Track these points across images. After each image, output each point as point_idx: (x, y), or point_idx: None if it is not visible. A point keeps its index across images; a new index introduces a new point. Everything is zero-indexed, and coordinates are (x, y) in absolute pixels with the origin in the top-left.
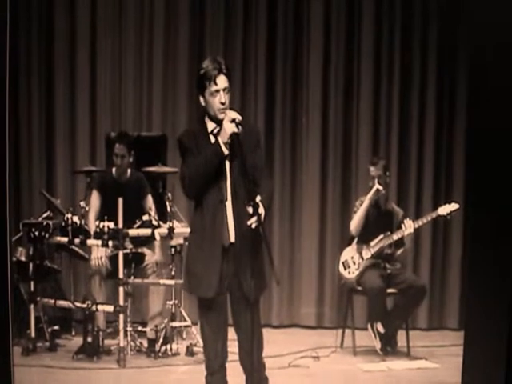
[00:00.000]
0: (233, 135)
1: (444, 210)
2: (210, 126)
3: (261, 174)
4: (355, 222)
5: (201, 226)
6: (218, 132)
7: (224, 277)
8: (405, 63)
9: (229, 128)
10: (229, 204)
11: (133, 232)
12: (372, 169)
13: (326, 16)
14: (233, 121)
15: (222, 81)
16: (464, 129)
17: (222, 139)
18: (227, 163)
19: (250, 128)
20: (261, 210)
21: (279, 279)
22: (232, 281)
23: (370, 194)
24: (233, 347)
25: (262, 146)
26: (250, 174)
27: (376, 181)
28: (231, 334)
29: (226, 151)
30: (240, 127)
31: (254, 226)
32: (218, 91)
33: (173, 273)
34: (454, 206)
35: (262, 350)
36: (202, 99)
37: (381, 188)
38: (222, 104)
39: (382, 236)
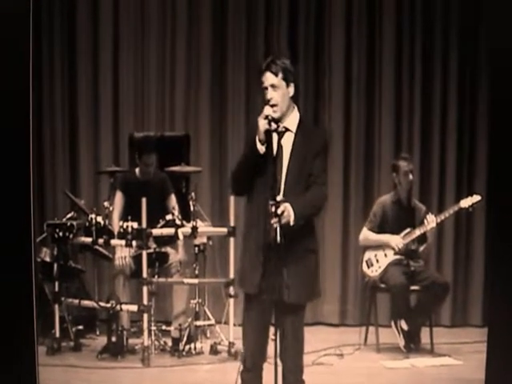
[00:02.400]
0: (268, 133)
1: (466, 202)
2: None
3: (315, 180)
4: (365, 240)
5: (250, 223)
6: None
7: (267, 276)
8: (426, 57)
9: (261, 125)
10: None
11: (156, 232)
12: (404, 164)
13: (347, 13)
14: (266, 117)
15: (266, 78)
16: (486, 122)
17: (258, 136)
18: (277, 163)
19: (315, 133)
20: (280, 210)
21: None
22: (275, 281)
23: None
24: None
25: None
26: (303, 179)
27: (410, 176)
28: None
29: (261, 149)
30: (273, 124)
31: (275, 226)
32: (266, 88)
33: (196, 272)
34: (475, 198)
35: (301, 354)
36: None
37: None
38: (268, 101)
39: (404, 233)
